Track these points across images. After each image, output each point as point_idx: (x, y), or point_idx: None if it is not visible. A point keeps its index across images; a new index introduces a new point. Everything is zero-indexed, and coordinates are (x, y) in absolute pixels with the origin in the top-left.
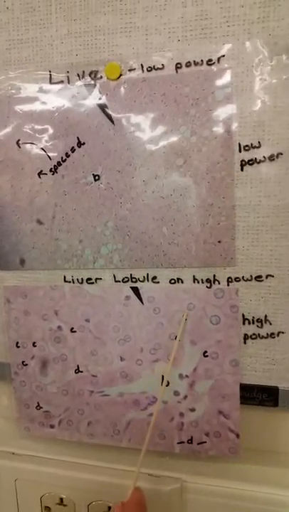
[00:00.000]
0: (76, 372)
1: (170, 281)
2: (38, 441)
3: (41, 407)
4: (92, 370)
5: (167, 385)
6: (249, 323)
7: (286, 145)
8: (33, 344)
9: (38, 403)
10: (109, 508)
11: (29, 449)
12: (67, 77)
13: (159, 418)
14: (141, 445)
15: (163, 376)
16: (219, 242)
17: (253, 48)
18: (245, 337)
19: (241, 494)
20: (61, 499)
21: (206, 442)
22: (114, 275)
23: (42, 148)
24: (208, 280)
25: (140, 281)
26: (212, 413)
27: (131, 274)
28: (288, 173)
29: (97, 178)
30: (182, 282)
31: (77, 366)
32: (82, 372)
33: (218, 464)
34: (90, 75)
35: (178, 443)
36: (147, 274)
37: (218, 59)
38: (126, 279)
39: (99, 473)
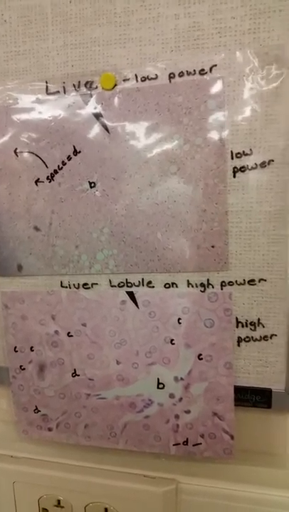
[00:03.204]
0: (73, 376)
1: (165, 286)
2: (36, 444)
3: (39, 411)
4: (89, 374)
5: (162, 388)
6: (242, 326)
7: (277, 152)
8: (31, 348)
9: (36, 406)
10: (106, 509)
11: (27, 452)
12: (64, 87)
13: (155, 420)
14: (137, 447)
15: (158, 379)
16: (213, 247)
17: (244, 58)
18: (239, 340)
19: (236, 495)
20: (58, 501)
21: (201, 444)
22: (110, 280)
23: (39, 157)
24: (202, 284)
25: (135, 285)
26: (207, 415)
27: (126, 279)
28: (279, 180)
29: (92, 185)
30: (177, 286)
31: (74, 370)
32: (79, 375)
33: (213, 465)
34: (85, 85)
35: (173, 445)
36: (142, 279)
37: (211, 68)
38: (121, 284)
39: (96, 475)
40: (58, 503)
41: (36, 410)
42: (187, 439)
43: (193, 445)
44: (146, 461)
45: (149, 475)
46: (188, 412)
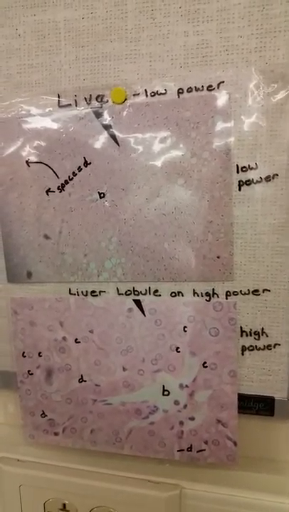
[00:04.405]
0: (80, 382)
1: (171, 295)
2: (43, 448)
3: (46, 415)
4: (96, 380)
5: (167, 395)
6: (246, 336)
7: (281, 167)
8: (39, 354)
9: (42, 411)
10: None
11: (34, 456)
12: (75, 100)
13: (160, 426)
14: (142, 452)
15: (164, 386)
16: (218, 257)
17: (251, 75)
18: (243, 348)
19: (238, 500)
20: (64, 505)
21: (204, 450)
22: (117, 288)
23: (50, 167)
24: (207, 294)
25: (142, 294)
26: (211, 422)
27: (133, 287)
28: (283, 194)
29: (102, 195)
30: (182, 295)
31: (81, 376)
32: (85, 381)
33: (216, 471)
34: (96, 98)
35: (178, 450)
36: (149, 288)
37: (218, 85)
38: (129, 292)
39: (101, 479)
40: (64, 507)
41: (43, 415)
42: (191, 445)
43: (197, 451)
44: (150, 467)
45: (154, 480)
46: (192, 418)
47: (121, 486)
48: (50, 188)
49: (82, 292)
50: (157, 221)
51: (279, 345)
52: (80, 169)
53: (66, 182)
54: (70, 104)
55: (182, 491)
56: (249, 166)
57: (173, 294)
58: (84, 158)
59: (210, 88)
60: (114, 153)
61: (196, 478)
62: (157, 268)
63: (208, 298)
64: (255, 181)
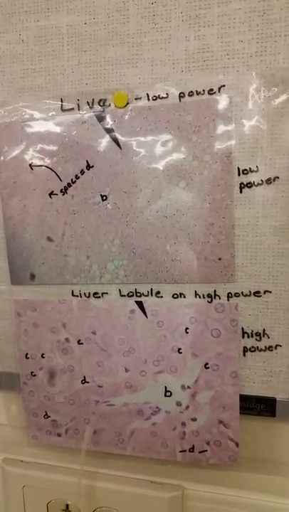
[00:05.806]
0: (82, 383)
1: (173, 296)
2: (46, 449)
3: (49, 416)
4: (98, 381)
5: (170, 396)
6: (248, 337)
7: (282, 169)
8: (42, 355)
9: (45, 412)
10: None
11: (37, 457)
12: (78, 104)
13: (162, 427)
14: (144, 453)
15: (166, 387)
16: (219, 259)
17: (252, 79)
18: (245, 350)
19: (240, 501)
20: (67, 505)
21: (206, 451)
22: (119, 290)
23: (53, 171)
24: (209, 295)
25: (144, 295)
26: (213, 423)
27: (136, 289)
28: (284, 196)
29: (104, 198)
30: (184, 297)
31: (84, 377)
32: (88, 382)
33: (218, 472)
34: (98, 102)
35: (180, 451)
36: (151, 289)
37: (219, 89)
38: (131, 294)
39: (104, 480)
40: (67, 508)
41: (46, 416)
42: (193, 446)
43: (199, 452)
44: (153, 467)
45: (156, 481)
46: (194, 419)
47: (123, 487)
48: (53, 191)
49: (84, 294)
50: (159, 223)
51: (280, 346)
52: (82, 172)
53: (69, 185)
54: (72, 108)
55: (184, 492)
56: (250, 168)
57: (175, 296)
58: (86, 161)
59: (211, 92)
60: (117, 156)
61: (198, 479)
62: (159, 270)
63: (209, 299)
64: (256, 184)
